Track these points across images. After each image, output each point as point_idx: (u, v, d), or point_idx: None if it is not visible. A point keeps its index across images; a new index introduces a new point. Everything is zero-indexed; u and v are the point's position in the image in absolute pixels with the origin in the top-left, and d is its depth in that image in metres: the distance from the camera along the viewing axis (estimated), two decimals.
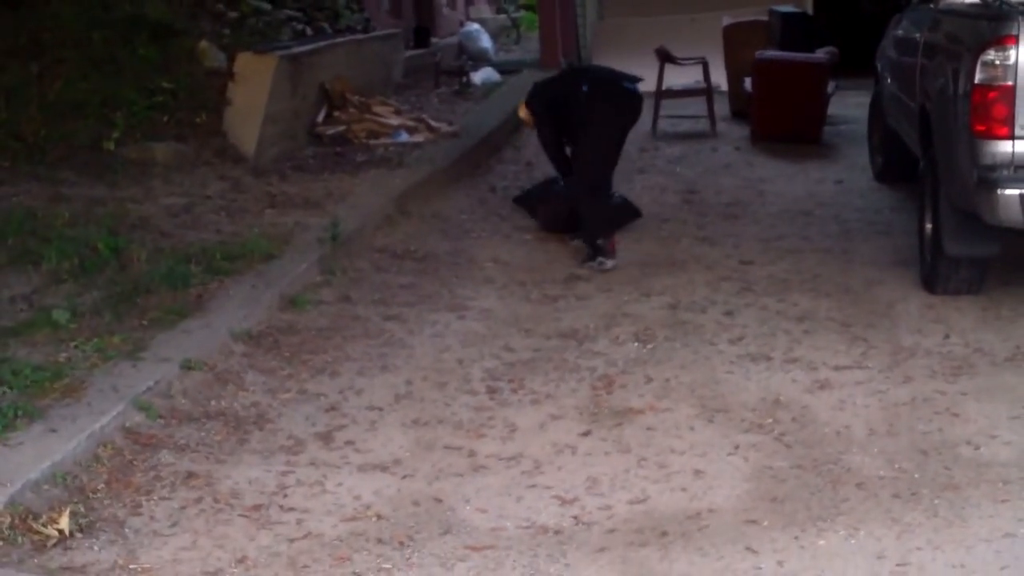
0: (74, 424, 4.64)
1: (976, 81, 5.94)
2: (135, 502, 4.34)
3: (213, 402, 5.20)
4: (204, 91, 9.84)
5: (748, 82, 12.13)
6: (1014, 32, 5.83)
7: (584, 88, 7.71)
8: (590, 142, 7.65)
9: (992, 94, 5.88)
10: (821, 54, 12.04)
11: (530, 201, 8.57)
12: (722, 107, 12.88)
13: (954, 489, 4.34)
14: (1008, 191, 5.85)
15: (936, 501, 4.26)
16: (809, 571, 3.84)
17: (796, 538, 4.04)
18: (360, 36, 13.88)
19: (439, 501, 4.38)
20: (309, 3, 13.71)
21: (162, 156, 8.91)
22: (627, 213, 8.29)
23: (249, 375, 5.54)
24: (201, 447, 4.80)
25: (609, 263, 7.35)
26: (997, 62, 5.86)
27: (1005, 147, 5.89)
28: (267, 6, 12.49)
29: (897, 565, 3.85)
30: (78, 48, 9.78)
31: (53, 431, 4.58)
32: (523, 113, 8.01)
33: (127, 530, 4.16)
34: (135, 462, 4.61)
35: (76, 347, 5.43)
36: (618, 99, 7.76)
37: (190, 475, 4.56)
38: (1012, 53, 5.82)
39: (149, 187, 8.36)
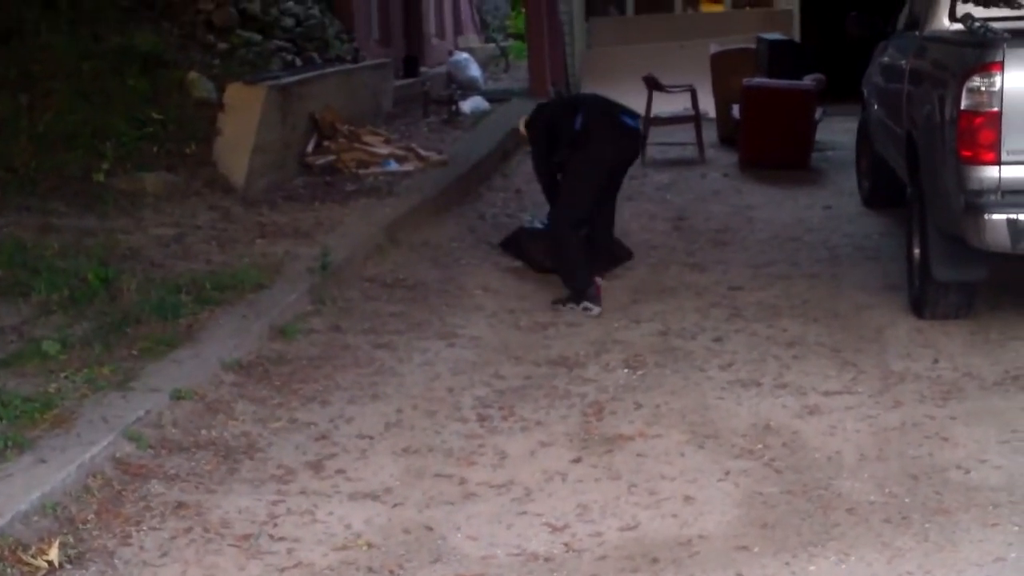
0: (64, 455, 4.62)
1: (962, 107, 5.98)
2: (125, 532, 4.32)
3: (203, 432, 5.20)
4: (194, 121, 9.87)
5: (736, 109, 12.20)
6: (999, 59, 5.87)
7: (579, 119, 7.43)
8: (577, 174, 7.40)
9: (978, 120, 5.92)
10: (808, 81, 12.11)
11: (517, 243, 8.17)
12: (710, 134, 12.95)
13: (944, 513, 4.35)
14: (995, 216, 5.88)
15: (927, 526, 4.26)
16: None
17: (787, 564, 4.04)
18: (350, 66, 13.93)
19: (430, 529, 4.37)
20: (299, 34, 13.76)
21: (152, 186, 8.92)
22: (618, 254, 7.94)
23: (239, 405, 5.53)
24: (191, 477, 4.79)
25: (595, 309, 7.01)
26: (983, 88, 5.90)
27: (991, 172, 5.93)
28: (257, 37, 12.53)
29: None
30: (68, 79, 9.81)
31: (43, 462, 4.56)
32: (522, 129, 7.95)
33: (117, 561, 4.14)
34: (125, 492, 4.60)
35: (66, 378, 5.42)
36: (613, 134, 7.49)
37: (180, 505, 4.55)
38: (997, 79, 5.86)
39: (139, 218, 8.37)
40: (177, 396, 5.35)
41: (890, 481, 4.63)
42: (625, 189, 10.31)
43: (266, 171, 9.87)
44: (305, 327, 6.64)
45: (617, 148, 7.51)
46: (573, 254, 7.28)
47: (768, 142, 11.51)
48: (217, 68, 11.13)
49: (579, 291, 7.10)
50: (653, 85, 12.56)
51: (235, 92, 9.89)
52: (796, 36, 16.04)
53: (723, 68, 13.46)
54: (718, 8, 18.98)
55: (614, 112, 7.63)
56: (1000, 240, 5.90)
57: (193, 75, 10.46)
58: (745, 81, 12.11)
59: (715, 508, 4.47)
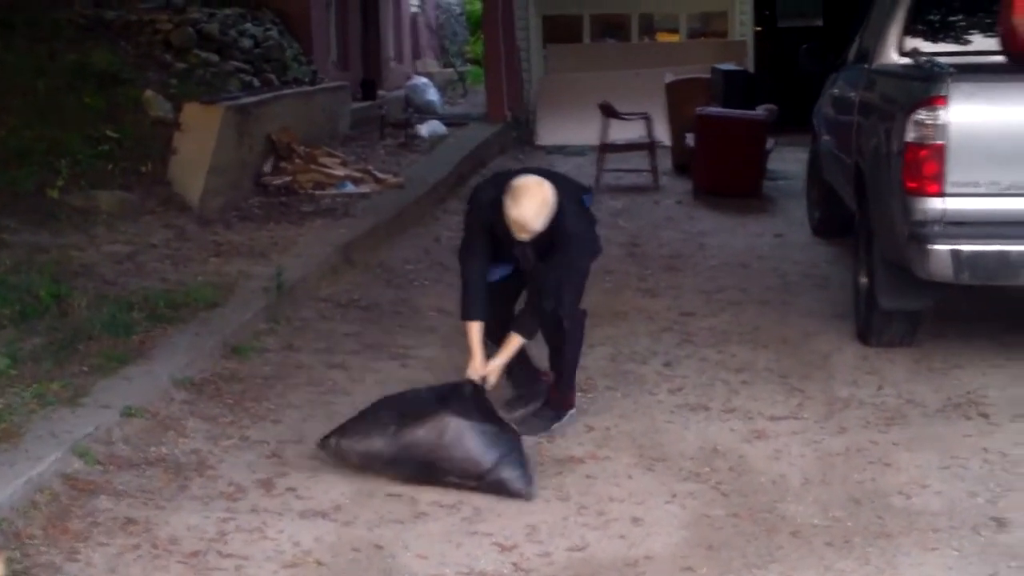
0: (11, 469, 4.61)
1: (908, 140, 6.09)
2: (72, 548, 4.31)
3: (153, 448, 5.19)
4: (150, 140, 9.87)
5: (690, 137, 12.33)
6: (944, 93, 5.99)
7: (566, 218, 5.24)
8: (581, 271, 5.46)
9: (923, 152, 6.04)
10: (761, 111, 12.29)
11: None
12: (665, 161, 13.09)
13: (886, 537, 4.42)
14: (939, 246, 5.98)
15: (868, 549, 4.33)
16: None
17: None
18: (308, 88, 13.98)
19: (379, 548, 4.40)
20: (257, 55, 13.79)
21: (106, 204, 8.91)
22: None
23: (190, 422, 5.54)
24: (140, 493, 4.79)
25: (573, 410, 5.71)
26: (928, 121, 6.02)
27: (936, 204, 6.04)
28: (215, 57, 12.56)
29: None
30: (23, 96, 9.79)
31: None
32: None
33: None
34: (73, 508, 4.59)
35: (15, 393, 5.39)
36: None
37: (128, 521, 4.54)
38: (942, 113, 5.97)
39: (93, 235, 8.36)
40: (128, 413, 5.35)
41: (833, 505, 4.71)
42: None
43: (222, 191, 9.88)
44: (258, 346, 6.65)
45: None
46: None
47: (721, 170, 11.66)
48: (174, 88, 11.14)
49: (570, 395, 5.72)
50: (609, 112, 12.70)
51: (192, 112, 9.90)
52: (750, 67, 16.25)
53: (678, 97, 13.63)
54: (674, 38, 19.21)
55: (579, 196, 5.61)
56: (943, 270, 6.00)
57: (149, 94, 10.47)
58: (699, 110, 12.27)
59: (662, 530, 4.53)
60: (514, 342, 5.33)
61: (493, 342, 5.43)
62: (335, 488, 4.92)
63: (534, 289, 5.37)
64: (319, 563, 4.28)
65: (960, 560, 4.24)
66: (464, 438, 4.88)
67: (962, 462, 5.10)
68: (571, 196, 5.37)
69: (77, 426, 5.10)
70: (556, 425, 5.54)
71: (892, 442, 5.35)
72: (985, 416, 5.64)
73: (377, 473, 4.93)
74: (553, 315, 5.36)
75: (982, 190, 6.01)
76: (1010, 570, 4.15)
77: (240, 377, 6.18)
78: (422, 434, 4.90)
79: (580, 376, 6.03)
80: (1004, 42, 6.59)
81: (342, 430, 5.06)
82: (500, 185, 5.28)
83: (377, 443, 4.94)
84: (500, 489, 4.82)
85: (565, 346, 5.53)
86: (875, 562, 4.23)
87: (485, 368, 5.27)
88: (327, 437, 5.08)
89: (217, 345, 6.43)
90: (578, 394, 5.83)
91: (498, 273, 5.48)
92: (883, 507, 4.69)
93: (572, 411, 5.65)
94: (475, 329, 5.32)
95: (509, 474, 4.84)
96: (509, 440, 4.96)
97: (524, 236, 5.15)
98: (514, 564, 4.28)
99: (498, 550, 4.38)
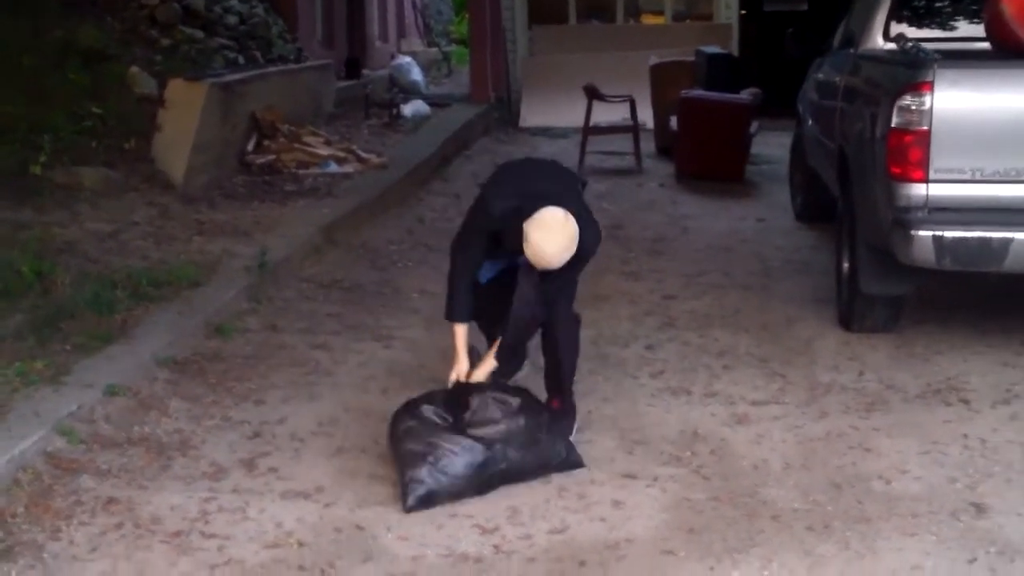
0: None
1: (892, 125, 6.11)
2: (55, 527, 4.32)
3: (136, 428, 5.20)
4: (134, 117, 9.82)
5: (674, 120, 12.34)
6: (929, 79, 6.01)
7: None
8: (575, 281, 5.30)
9: (908, 138, 6.06)
10: (745, 95, 12.30)
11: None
12: (648, 144, 13.09)
13: (866, 522, 4.45)
14: (922, 232, 6.01)
15: (848, 534, 4.36)
16: None
17: (711, 569, 4.12)
18: (292, 66, 13.93)
19: (361, 529, 4.41)
20: (242, 32, 13.73)
21: (90, 181, 8.86)
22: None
23: (173, 402, 5.54)
24: (123, 473, 4.79)
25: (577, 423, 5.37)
26: (913, 107, 6.04)
27: (919, 190, 6.06)
28: (200, 34, 12.50)
29: None
30: (7, 73, 9.72)
31: None
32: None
33: (46, 555, 4.14)
34: (55, 487, 4.60)
35: None
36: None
37: (111, 500, 4.55)
38: (927, 99, 5.99)
39: (76, 212, 8.32)
40: (110, 392, 5.35)
41: (814, 490, 4.73)
42: None
43: (206, 169, 9.85)
44: (241, 326, 6.65)
45: None
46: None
47: (704, 154, 11.67)
48: (159, 64, 11.09)
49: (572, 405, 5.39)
50: (593, 94, 12.69)
51: (176, 89, 9.85)
52: (735, 50, 16.25)
53: (662, 79, 13.63)
54: (659, 20, 19.18)
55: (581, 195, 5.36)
56: (926, 256, 6.03)
57: (134, 70, 10.42)
58: (683, 93, 12.27)
59: (643, 513, 4.54)
60: (492, 361, 5.17)
61: (485, 336, 5.42)
62: (317, 469, 4.93)
63: (520, 297, 5.02)
64: (300, 544, 4.29)
65: (939, 545, 4.27)
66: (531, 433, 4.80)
67: (942, 448, 5.13)
68: (581, 206, 5.07)
69: (60, 405, 5.10)
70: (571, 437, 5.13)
71: (873, 427, 5.38)
72: (965, 402, 5.67)
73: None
74: (545, 324, 5.17)
75: (966, 176, 6.03)
76: (988, 555, 4.19)
77: (223, 357, 6.18)
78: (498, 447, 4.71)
79: None
80: (989, 28, 6.61)
81: (423, 493, 4.57)
82: (523, 197, 4.90)
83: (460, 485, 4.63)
84: (567, 467, 4.87)
85: (560, 355, 5.24)
86: (855, 546, 4.26)
87: (470, 372, 5.12)
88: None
89: (200, 324, 6.43)
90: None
91: (490, 272, 5.29)
92: (863, 492, 4.71)
93: (576, 423, 5.31)
94: (460, 331, 5.17)
95: (564, 448, 4.91)
96: (540, 412, 4.95)
97: (540, 266, 4.87)
98: (495, 546, 4.29)
99: (479, 532, 4.39)
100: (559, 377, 5.28)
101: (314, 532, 4.38)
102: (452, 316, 5.19)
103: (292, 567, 4.12)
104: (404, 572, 4.10)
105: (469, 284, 5.16)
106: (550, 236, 4.77)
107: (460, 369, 5.14)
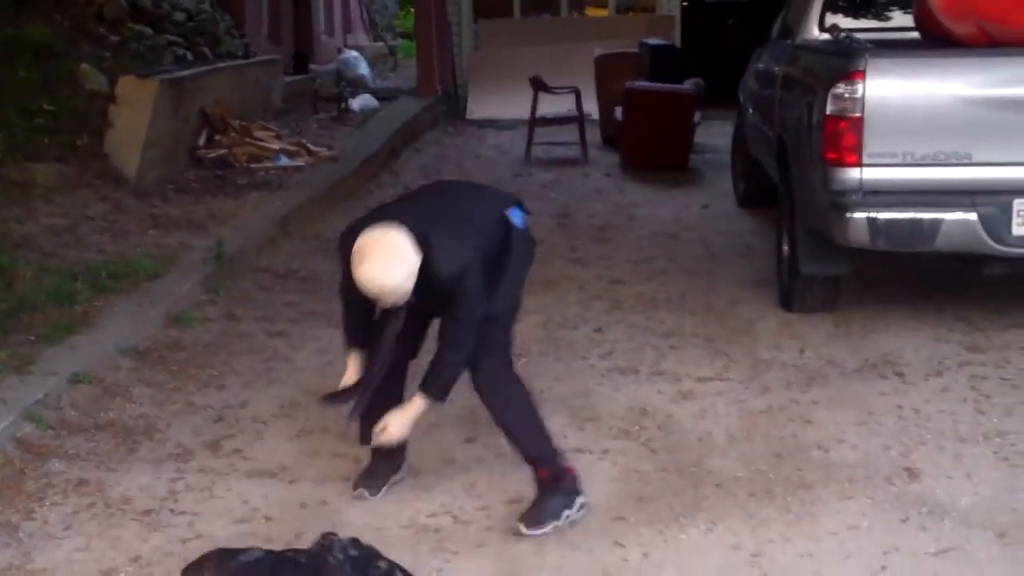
0: None
1: (827, 112, 6.34)
2: (28, 508, 4.47)
3: (102, 414, 5.35)
4: (86, 113, 9.89)
5: (619, 111, 12.54)
6: (861, 67, 6.25)
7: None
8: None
9: (842, 124, 6.30)
10: (688, 85, 12.53)
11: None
12: (594, 135, 13.30)
13: (805, 488, 4.68)
14: (857, 214, 6.25)
15: (788, 499, 4.59)
16: (672, 562, 4.15)
17: (660, 532, 4.34)
18: (240, 62, 14.00)
19: (325, 503, 4.59)
20: (190, 28, 13.77)
21: (43, 177, 8.95)
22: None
23: (137, 388, 5.69)
24: (91, 456, 4.94)
25: (583, 499, 4.48)
26: (846, 95, 6.27)
27: (854, 174, 6.30)
28: (148, 31, 12.53)
29: (751, 555, 4.17)
30: None
31: None
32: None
33: (21, 534, 4.29)
34: (26, 471, 4.74)
35: None
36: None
37: (81, 482, 4.70)
38: (860, 87, 6.23)
39: (31, 208, 8.42)
40: (75, 380, 5.50)
41: (756, 459, 4.96)
42: (511, 188, 10.64)
43: (158, 164, 9.96)
44: (200, 315, 6.80)
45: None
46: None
47: (649, 143, 11.89)
48: (109, 61, 11.14)
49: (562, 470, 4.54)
50: (539, 86, 12.87)
51: (127, 85, 9.95)
52: (677, 42, 16.47)
53: (607, 71, 13.83)
54: (603, 13, 19.36)
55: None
56: (861, 237, 6.28)
57: (85, 67, 10.47)
58: (627, 84, 12.48)
59: (595, 484, 4.72)
60: (418, 403, 4.39)
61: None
62: (280, 449, 5.10)
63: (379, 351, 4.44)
64: (267, 519, 4.46)
65: (874, 507, 4.51)
66: None
67: (878, 418, 5.38)
68: (452, 228, 4.24)
69: (26, 393, 5.24)
70: (568, 512, 4.38)
71: (812, 401, 5.62)
72: (900, 375, 5.93)
73: None
74: (478, 389, 4.55)
75: (897, 160, 6.28)
76: (920, 515, 4.43)
77: (183, 345, 6.33)
78: None
79: (514, 342, 4.89)
80: (918, 20, 6.88)
81: None
82: (363, 226, 4.28)
83: None
84: None
85: (503, 423, 4.53)
86: (795, 510, 4.49)
87: (360, 386, 4.48)
88: None
89: (160, 314, 6.57)
90: (513, 359, 4.79)
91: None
92: (803, 460, 4.95)
93: (581, 498, 4.45)
94: (354, 354, 4.58)
95: None
96: None
97: (382, 302, 4.22)
98: (454, 517, 4.48)
99: (439, 504, 4.58)
100: (518, 448, 4.54)
101: (280, 508, 4.55)
102: (347, 343, 4.66)
103: (260, 540, 4.25)
104: (368, 543, 4.27)
105: (360, 320, 4.56)
106: (364, 262, 4.10)
107: (348, 375, 4.58)
